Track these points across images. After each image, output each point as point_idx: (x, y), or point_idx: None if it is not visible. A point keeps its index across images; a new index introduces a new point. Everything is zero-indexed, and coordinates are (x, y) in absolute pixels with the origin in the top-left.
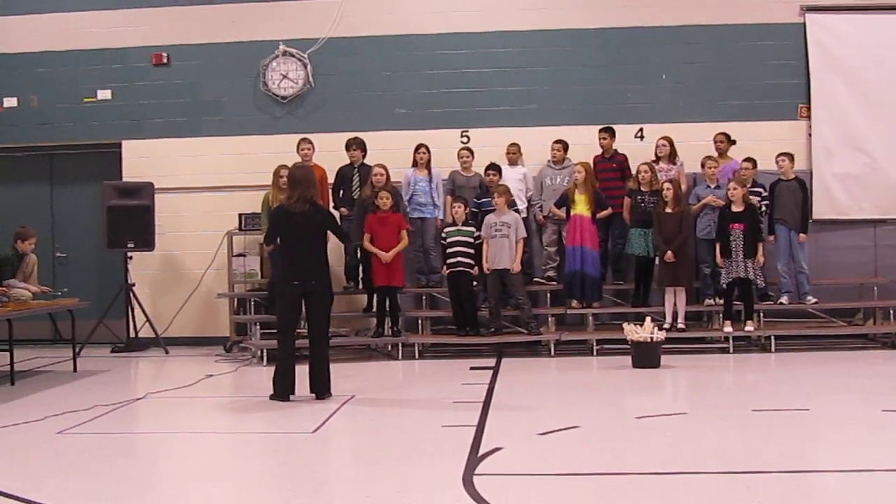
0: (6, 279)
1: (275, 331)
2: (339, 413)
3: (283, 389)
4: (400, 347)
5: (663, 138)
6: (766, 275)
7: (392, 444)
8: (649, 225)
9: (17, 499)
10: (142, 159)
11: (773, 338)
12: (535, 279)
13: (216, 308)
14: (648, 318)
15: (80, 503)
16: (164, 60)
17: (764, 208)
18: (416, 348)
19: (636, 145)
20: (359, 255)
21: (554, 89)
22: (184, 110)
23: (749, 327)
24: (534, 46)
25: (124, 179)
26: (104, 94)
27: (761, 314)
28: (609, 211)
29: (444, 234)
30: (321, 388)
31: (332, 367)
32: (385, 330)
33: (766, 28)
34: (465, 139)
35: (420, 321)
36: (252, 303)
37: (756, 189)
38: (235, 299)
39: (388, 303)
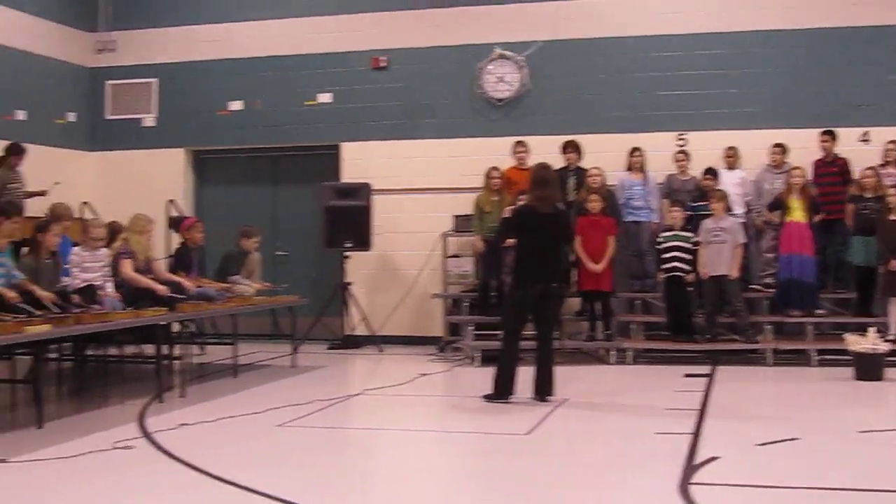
0: (231, 276)
1: (498, 332)
2: (552, 416)
3: (505, 391)
4: (612, 352)
5: (893, 142)
6: None
7: (605, 449)
8: (872, 232)
9: (238, 486)
10: (359, 161)
11: None
12: (752, 286)
13: (430, 308)
14: (871, 329)
15: (297, 494)
16: (383, 64)
17: None
18: (629, 353)
19: (860, 149)
20: (572, 258)
21: (773, 91)
22: (401, 113)
23: None
24: (752, 47)
25: (342, 181)
26: (324, 98)
27: None
28: (822, 216)
29: (660, 239)
30: (548, 389)
31: None
32: (597, 334)
33: None
34: (681, 142)
35: (633, 326)
36: (466, 304)
37: None
38: (449, 300)
39: (600, 306)
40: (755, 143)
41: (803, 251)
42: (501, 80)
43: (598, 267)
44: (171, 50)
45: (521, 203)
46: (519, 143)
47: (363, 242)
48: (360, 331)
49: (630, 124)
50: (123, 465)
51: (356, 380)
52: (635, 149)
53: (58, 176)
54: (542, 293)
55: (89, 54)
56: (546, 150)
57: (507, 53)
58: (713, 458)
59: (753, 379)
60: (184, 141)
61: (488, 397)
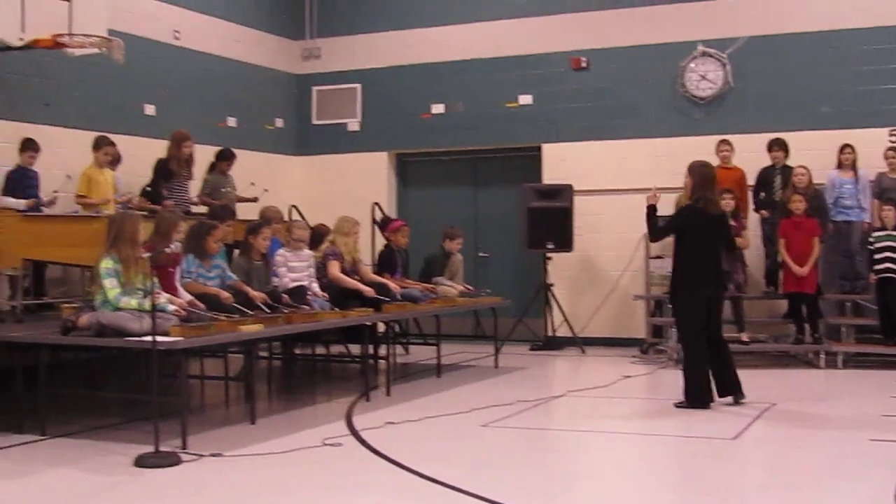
0: (434, 276)
1: (682, 338)
2: (759, 420)
3: (703, 398)
4: (821, 356)
5: None
6: None
7: (815, 455)
8: None
9: (444, 485)
10: (561, 162)
11: None
12: None
13: (632, 310)
14: None
15: (503, 494)
16: (583, 65)
17: None
18: (839, 357)
19: None
20: (779, 258)
21: None
22: (601, 113)
23: None
24: None
25: (544, 182)
26: (525, 99)
27: None
28: None
29: (871, 239)
30: (739, 389)
31: (752, 373)
32: (805, 337)
33: None
34: (893, 138)
35: (843, 329)
36: (669, 305)
37: None
38: (652, 301)
39: (805, 308)
40: None
41: None
42: (704, 77)
43: (803, 271)
44: (374, 55)
45: (686, 203)
46: (723, 141)
47: (565, 244)
48: (562, 332)
49: (840, 120)
50: (333, 461)
51: (559, 381)
52: (846, 145)
53: (266, 180)
54: (712, 294)
55: (296, 62)
56: (751, 148)
57: (710, 51)
58: None
59: None
60: (387, 144)
61: (682, 405)
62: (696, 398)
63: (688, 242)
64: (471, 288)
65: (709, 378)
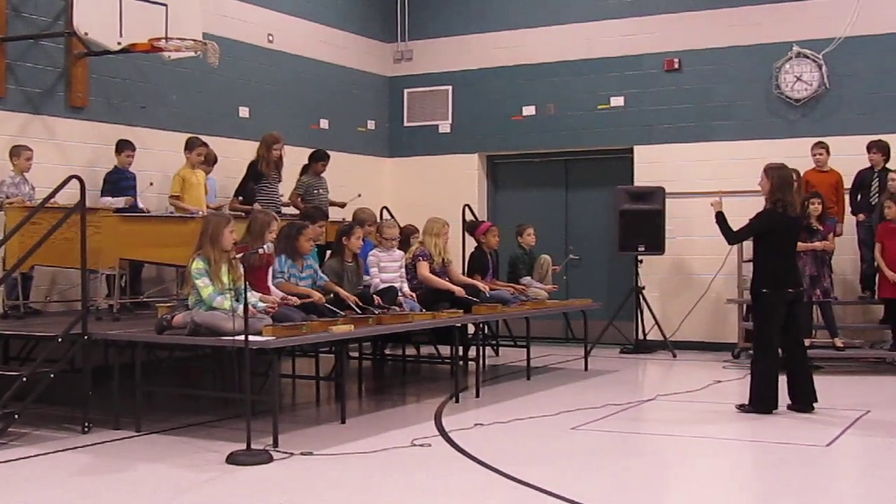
0: (521, 277)
1: (759, 339)
2: (853, 428)
3: (770, 402)
4: None
5: None
6: None
7: None
8: None
9: (532, 487)
10: (653, 164)
11: None
12: None
13: (725, 314)
14: None
15: (592, 498)
16: (676, 66)
17: None
18: None
19: None
20: (875, 263)
21: None
22: (694, 115)
23: None
24: None
25: (636, 184)
26: (617, 101)
27: None
28: None
29: None
30: (815, 397)
31: (846, 379)
32: None
33: None
34: None
35: None
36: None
37: None
38: (744, 305)
39: None
40: None
41: None
42: (799, 79)
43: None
44: (465, 57)
45: (768, 206)
46: (817, 144)
47: (657, 246)
48: (653, 336)
49: None
50: (422, 461)
51: (649, 385)
52: None
53: (357, 182)
54: (793, 298)
55: (388, 64)
56: (848, 150)
57: (805, 52)
58: None
59: None
60: (478, 146)
61: (743, 407)
62: (762, 402)
63: (771, 244)
64: (555, 287)
65: (777, 383)
